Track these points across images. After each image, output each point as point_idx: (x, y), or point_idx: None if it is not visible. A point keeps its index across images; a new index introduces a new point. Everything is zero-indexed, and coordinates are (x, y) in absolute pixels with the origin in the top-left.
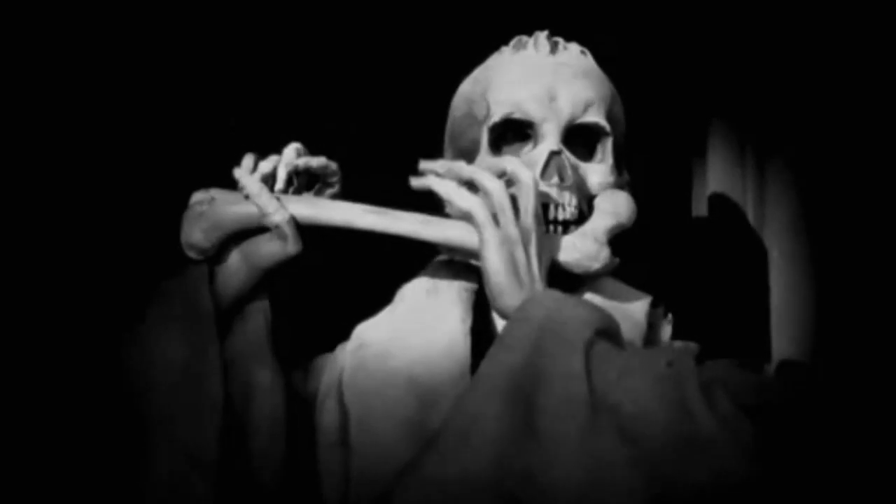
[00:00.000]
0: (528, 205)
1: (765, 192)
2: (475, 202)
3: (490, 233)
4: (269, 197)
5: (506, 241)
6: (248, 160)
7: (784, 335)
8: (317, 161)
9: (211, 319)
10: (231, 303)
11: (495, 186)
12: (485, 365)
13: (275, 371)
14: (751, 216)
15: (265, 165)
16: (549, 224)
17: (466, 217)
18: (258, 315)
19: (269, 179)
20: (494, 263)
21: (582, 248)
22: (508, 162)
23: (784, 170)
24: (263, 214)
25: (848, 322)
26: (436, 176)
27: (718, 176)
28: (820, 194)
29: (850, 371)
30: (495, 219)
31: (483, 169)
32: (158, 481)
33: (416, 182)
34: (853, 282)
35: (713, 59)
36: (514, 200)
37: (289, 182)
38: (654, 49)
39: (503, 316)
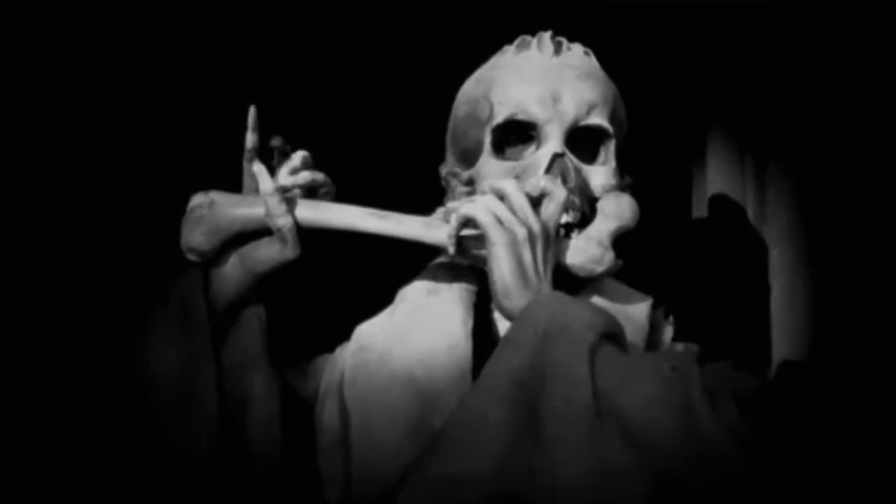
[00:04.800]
0: (524, 210)
1: (764, 193)
2: (478, 206)
3: (497, 233)
4: (280, 200)
5: (513, 242)
6: (251, 114)
7: (784, 336)
8: (303, 178)
9: (205, 326)
10: (227, 307)
11: (476, 210)
12: (489, 366)
13: (270, 378)
14: (750, 218)
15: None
16: None
17: (471, 221)
18: (253, 321)
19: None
20: (502, 264)
21: (587, 251)
22: (491, 178)
23: (783, 172)
24: (269, 215)
25: (847, 322)
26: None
27: (718, 178)
28: (819, 195)
29: (850, 369)
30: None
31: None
32: (155, 486)
33: (450, 242)
34: (852, 283)
35: (713, 62)
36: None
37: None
38: (654, 52)
39: (507, 317)
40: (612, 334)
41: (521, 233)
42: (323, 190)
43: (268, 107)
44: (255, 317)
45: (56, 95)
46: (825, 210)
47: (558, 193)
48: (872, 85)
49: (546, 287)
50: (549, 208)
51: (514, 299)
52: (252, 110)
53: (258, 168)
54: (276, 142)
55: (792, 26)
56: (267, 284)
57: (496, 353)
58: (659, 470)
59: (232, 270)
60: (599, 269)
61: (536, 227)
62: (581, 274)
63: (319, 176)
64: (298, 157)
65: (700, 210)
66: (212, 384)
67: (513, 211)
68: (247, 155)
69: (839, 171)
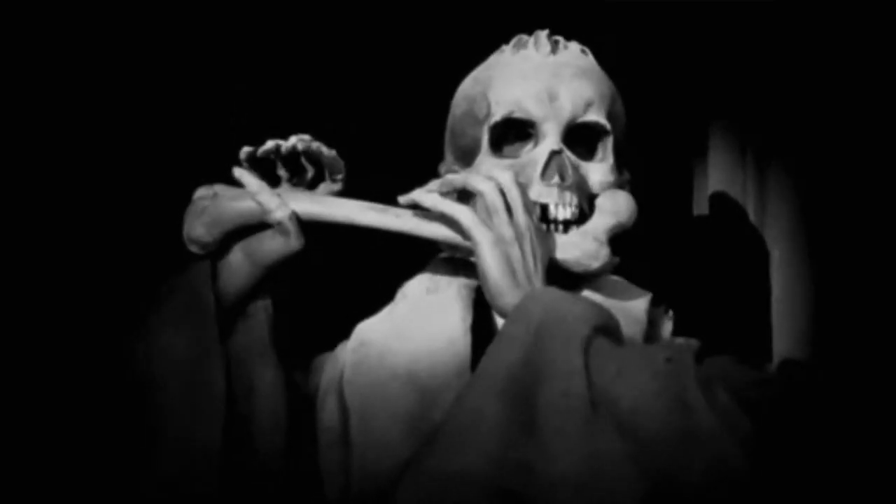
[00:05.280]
0: (518, 203)
1: (765, 190)
2: (460, 207)
3: (481, 234)
4: (271, 194)
5: (499, 241)
6: (244, 152)
7: (784, 333)
8: (328, 151)
9: (213, 317)
10: (234, 300)
11: (487, 187)
12: (484, 362)
13: (277, 368)
14: (751, 215)
15: (269, 143)
16: (550, 224)
17: (455, 223)
18: (261, 313)
19: (274, 155)
20: (489, 264)
21: (582, 246)
22: (486, 171)
23: (784, 169)
24: (265, 211)
25: (848, 320)
26: (424, 190)
27: (719, 175)
28: (820, 193)
29: (850, 369)
30: (489, 220)
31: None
32: (162, 477)
33: (403, 199)
34: (853, 280)
35: (714, 58)
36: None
37: (293, 171)
38: (655, 49)
39: (503, 315)
40: (607, 327)
41: (508, 232)
42: (336, 176)
43: (268, 107)
44: (263, 309)
45: (65, 95)
46: (826, 208)
47: (502, 177)
48: (873, 84)
49: (538, 282)
50: (508, 195)
51: (506, 298)
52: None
53: (239, 172)
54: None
55: (792, 26)
56: (274, 277)
57: (491, 349)
58: (653, 461)
59: (239, 263)
60: (595, 264)
61: (523, 223)
62: (576, 269)
63: (331, 153)
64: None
65: (701, 208)
66: (219, 376)
67: (496, 210)
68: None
69: (840, 170)
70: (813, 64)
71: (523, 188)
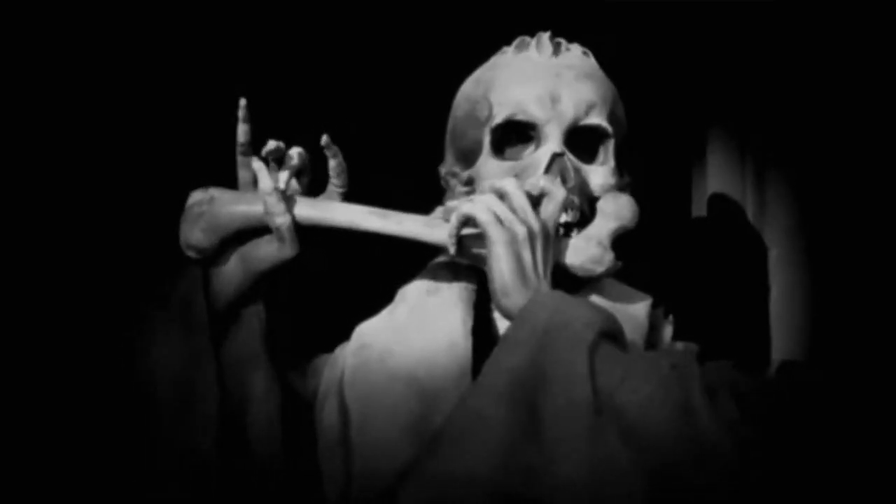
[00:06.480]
0: (525, 209)
1: (764, 193)
2: (478, 205)
3: (497, 232)
4: (278, 199)
5: (513, 241)
6: (270, 146)
7: (783, 335)
8: (342, 159)
9: (205, 325)
10: (227, 305)
11: (510, 187)
12: (489, 365)
13: (270, 375)
14: (750, 217)
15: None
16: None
17: (471, 220)
18: (253, 319)
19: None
20: (501, 262)
21: (586, 251)
22: (489, 185)
23: (783, 171)
24: (267, 213)
25: (847, 322)
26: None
27: (718, 178)
28: (819, 195)
29: (850, 371)
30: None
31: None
32: (156, 485)
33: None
34: (852, 282)
35: (713, 61)
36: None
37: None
38: (654, 51)
39: (506, 315)
40: (612, 333)
41: (521, 232)
42: (337, 181)
43: (268, 107)
44: (255, 315)
45: (55, 95)
46: (825, 210)
47: (557, 193)
48: (872, 85)
49: (545, 286)
50: (549, 208)
51: (513, 298)
52: (242, 102)
53: (258, 165)
54: (270, 146)
55: (792, 26)
56: (267, 283)
57: (495, 352)
58: (657, 468)
59: (232, 269)
60: (599, 269)
61: (536, 226)
62: (580, 274)
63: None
64: (296, 156)
65: (700, 210)
66: (212, 383)
67: (513, 210)
68: (240, 148)
69: (839, 171)
70: (812, 67)
71: (563, 179)
